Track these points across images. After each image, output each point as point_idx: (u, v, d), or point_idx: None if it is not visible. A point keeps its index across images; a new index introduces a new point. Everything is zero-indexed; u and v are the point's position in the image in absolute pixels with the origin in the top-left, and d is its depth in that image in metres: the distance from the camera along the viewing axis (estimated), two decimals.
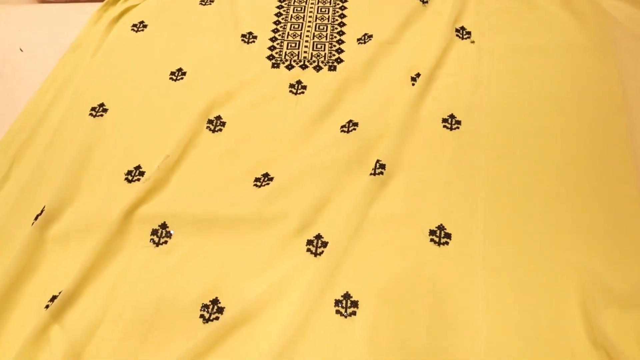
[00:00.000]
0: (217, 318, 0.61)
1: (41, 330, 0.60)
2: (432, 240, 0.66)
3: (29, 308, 0.63)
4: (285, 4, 0.98)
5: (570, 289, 0.63)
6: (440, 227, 0.67)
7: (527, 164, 0.73)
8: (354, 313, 0.61)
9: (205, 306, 0.62)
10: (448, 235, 0.67)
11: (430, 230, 0.67)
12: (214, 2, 0.99)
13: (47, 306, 0.62)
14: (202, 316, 0.62)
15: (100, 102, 0.83)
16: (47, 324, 0.60)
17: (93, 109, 0.83)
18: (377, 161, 0.73)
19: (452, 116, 0.79)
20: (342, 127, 0.78)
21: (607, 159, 0.73)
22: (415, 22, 0.93)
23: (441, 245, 0.66)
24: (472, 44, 0.89)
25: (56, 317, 0.61)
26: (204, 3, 0.99)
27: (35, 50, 0.95)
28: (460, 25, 0.91)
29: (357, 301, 0.62)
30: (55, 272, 0.66)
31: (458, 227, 0.68)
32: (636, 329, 0.59)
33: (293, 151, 0.76)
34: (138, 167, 0.75)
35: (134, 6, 0.99)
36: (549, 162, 0.74)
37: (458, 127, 0.78)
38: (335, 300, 0.62)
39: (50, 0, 1.06)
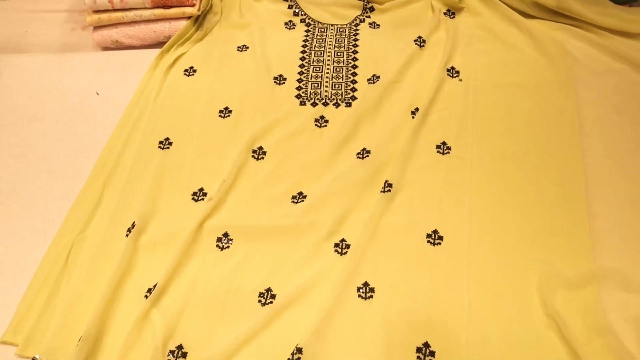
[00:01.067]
0: (271, 302, 0.83)
1: (145, 313, 0.82)
2: (428, 241, 0.88)
3: (131, 298, 0.85)
4: (307, 49, 1.20)
5: (531, 276, 0.84)
6: (435, 232, 0.89)
7: (503, 182, 0.95)
8: (371, 296, 0.83)
9: (261, 294, 0.84)
10: (441, 238, 0.89)
11: (427, 234, 0.89)
12: (249, 49, 1.20)
13: (146, 296, 0.84)
14: (259, 301, 0.84)
15: (166, 137, 1.05)
16: (148, 309, 0.82)
17: (161, 142, 1.05)
18: (386, 181, 0.94)
19: (444, 143, 1.00)
20: (357, 154, 1.00)
21: (563, 177, 0.94)
22: (414, 63, 1.14)
23: (435, 245, 0.88)
24: (460, 82, 1.10)
25: (154, 303, 0.83)
26: (240, 49, 1.21)
27: (107, 91, 1.17)
28: (451, 66, 1.13)
29: (374, 287, 0.84)
30: (147, 272, 0.88)
31: (449, 232, 0.89)
32: (578, 304, 0.80)
33: (320, 174, 0.98)
34: (201, 189, 0.97)
35: (184, 53, 1.21)
36: (520, 180, 0.95)
37: (449, 152, 0.99)
38: (357, 287, 0.84)
39: (110, 47, 1.28)
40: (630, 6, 1.21)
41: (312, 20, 1.26)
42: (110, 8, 1.21)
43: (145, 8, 1.22)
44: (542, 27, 1.17)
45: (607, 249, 0.87)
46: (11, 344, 0.82)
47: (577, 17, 1.16)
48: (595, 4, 1.16)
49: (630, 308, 0.81)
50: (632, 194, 0.93)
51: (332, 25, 1.25)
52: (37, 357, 0.79)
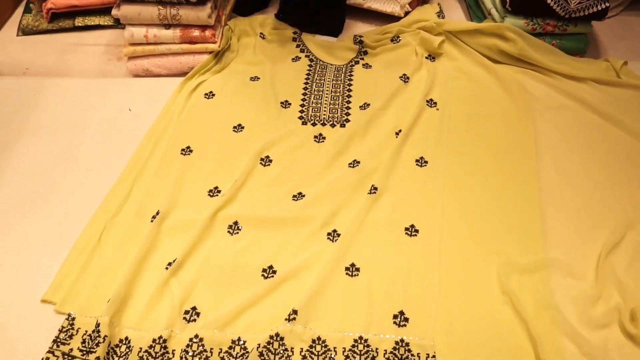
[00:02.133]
0: (272, 276, 0.99)
1: (165, 281, 0.97)
2: (406, 233, 1.05)
3: (153, 271, 1.00)
4: (310, 81, 1.41)
5: (491, 263, 1.00)
6: (412, 226, 1.06)
7: (471, 191, 1.13)
8: (357, 275, 0.99)
9: (264, 270, 1.00)
10: (417, 231, 1.05)
11: (405, 227, 1.06)
12: (260, 79, 1.42)
13: (166, 268, 0.99)
14: (262, 275, 0.99)
15: (187, 145, 1.23)
16: (168, 278, 0.97)
17: (183, 149, 1.23)
18: (372, 185, 1.12)
19: (422, 158, 1.19)
20: (349, 164, 1.19)
21: (521, 189, 1.13)
22: (399, 95, 1.35)
23: (412, 236, 1.05)
24: (437, 111, 1.31)
25: (173, 274, 0.98)
26: (252, 79, 1.42)
27: (137, 109, 1.37)
28: (430, 98, 1.34)
29: (359, 268, 0.99)
30: (168, 250, 1.03)
31: (423, 226, 1.06)
32: (530, 286, 0.96)
33: (317, 179, 1.15)
34: (216, 187, 1.15)
35: (204, 80, 1.42)
36: (484, 190, 1.13)
37: (426, 165, 1.18)
38: (345, 267, 0.99)
39: (141, 75, 1.49)
40: (580, 57, 1.45)
41: (315, 58, 1.48)
42: (145, 42, 1.43)
43: (174, 43, 1.44)
44: (507, 70, 1.40)
45: (555, 245, 1.04)
46: (50, 302, 0.96)
47: (536, 63, 1.39)
48: (550, 54, 1.40)
49: (571, 290, 0.97)
50: (577, 203, 1.12)
51: (331, 64, 1.47)
52: (71, 313, 0.93)
